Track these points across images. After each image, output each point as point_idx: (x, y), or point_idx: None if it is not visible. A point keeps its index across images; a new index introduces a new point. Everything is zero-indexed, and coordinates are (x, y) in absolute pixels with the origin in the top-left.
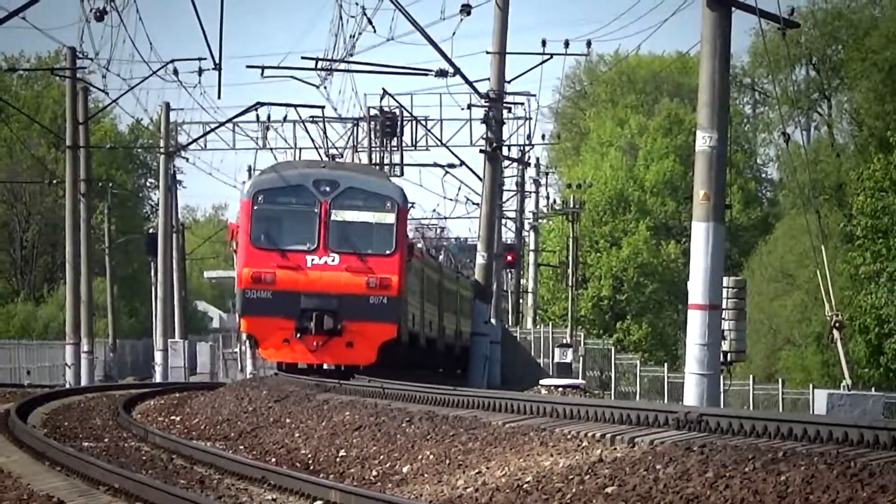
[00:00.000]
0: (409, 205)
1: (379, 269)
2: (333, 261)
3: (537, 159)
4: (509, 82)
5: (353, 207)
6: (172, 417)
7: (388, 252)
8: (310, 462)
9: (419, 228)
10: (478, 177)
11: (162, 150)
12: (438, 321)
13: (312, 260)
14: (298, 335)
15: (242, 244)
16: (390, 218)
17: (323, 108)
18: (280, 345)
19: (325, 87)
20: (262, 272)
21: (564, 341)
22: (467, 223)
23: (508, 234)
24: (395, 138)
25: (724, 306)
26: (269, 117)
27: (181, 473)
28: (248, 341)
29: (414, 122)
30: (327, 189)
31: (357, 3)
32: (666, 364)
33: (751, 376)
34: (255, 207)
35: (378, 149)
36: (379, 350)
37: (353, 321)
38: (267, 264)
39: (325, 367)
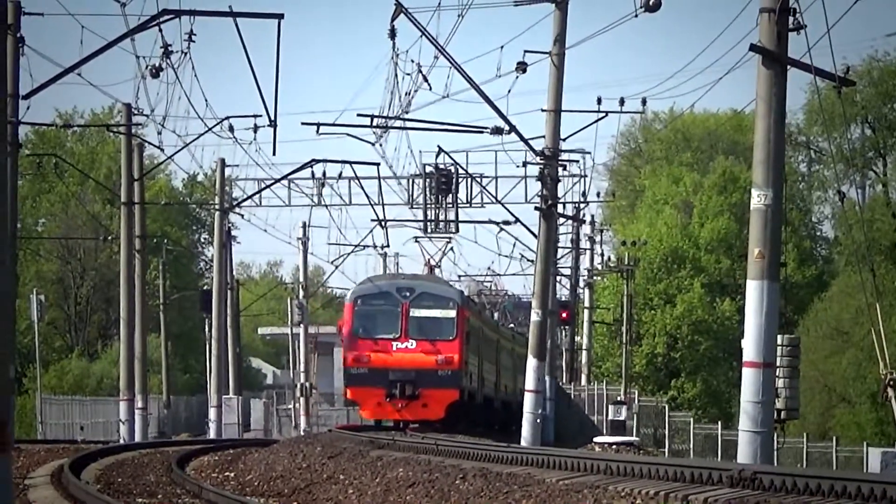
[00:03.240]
0: (469, 303)
1: (445, 351)
2: (412, 345)
3: (592, 217)
4: (564, 140)
5: (425, 307)
6: (226, 473)
7: (451, 338)
8: None
9: (470, 286)
10: (533, 234)
11: (217, 206)
12: (496, 380)
13: (397, 345)
14: (388, 399)
15: (347, 334)
16: (452, 314)
17: (378, 165)
18: (375, 407)
19: (381, 145)
20: (361, 354)
21: (618, 398)
22: (522, 280)
23: (563, 292)
24: (451, 195)
25: (778, 364)
26: (324, 174)
27: None
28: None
29: (469, 180)
30: (407, 294)
31: (412, 61)
32: (720, 422)
33: (804, 434)
34: (356, 308)
35: (433, 206)
36: (446, 409)
37: (427, 388)
38: (365, 349)
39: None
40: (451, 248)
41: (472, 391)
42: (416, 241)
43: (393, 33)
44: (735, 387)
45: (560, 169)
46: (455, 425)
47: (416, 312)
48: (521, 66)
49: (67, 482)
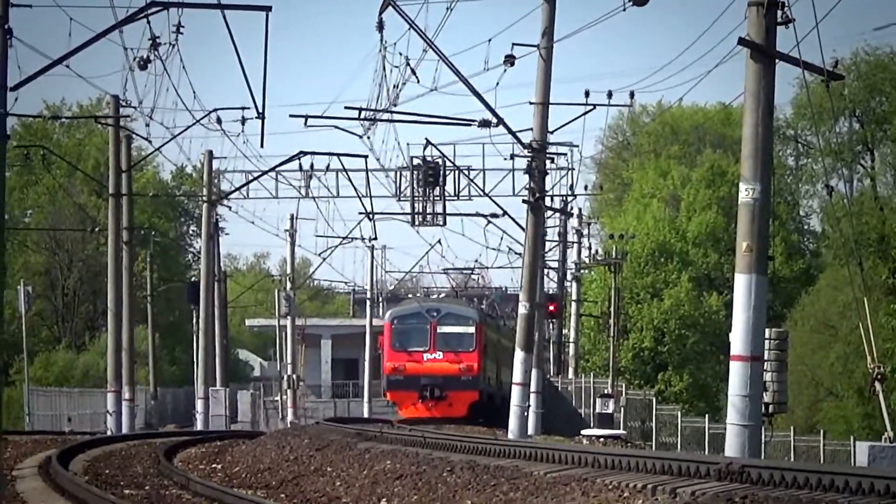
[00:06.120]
0: (486, 319)
1: (466, 360)
2: (439, 356)
3: (580, 210)
4: (552, 133)
5: (450, 324)
6: (213, 465)
7: (471, 349)
8: None
9: (455, 277)
10: (520, 227)
11: (204, 198)
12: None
13: (427, 356)
14: (420, 401)
15: (386, 348)
16: (472, 329)
17: (366, 157)
18: (410, 407)
19: (369, 137)
20: (398, 364)
21: (606, 392)
22: (509, 273)
23: (550, 285)
24: (438, 188)
25: (765, 358)
26: (311, 166)
27: None
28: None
29: (457, 172)
30: (435, 314)
31: (401, 54)
32: (707, 415)
33: (792, 428)
34: (393, 326)
35: (420, 198)
36: (468, 408)
37: (452, 391)
38: (401, 359)
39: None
40: (472, 276)
41: (491, 392)
42: (445, 273)
43: (381, 26)
44: (722, 380)
45: (548, 162)
46: (476, 421)
47: (442, 329)
48: (510, 59)
49: (55, 473)
